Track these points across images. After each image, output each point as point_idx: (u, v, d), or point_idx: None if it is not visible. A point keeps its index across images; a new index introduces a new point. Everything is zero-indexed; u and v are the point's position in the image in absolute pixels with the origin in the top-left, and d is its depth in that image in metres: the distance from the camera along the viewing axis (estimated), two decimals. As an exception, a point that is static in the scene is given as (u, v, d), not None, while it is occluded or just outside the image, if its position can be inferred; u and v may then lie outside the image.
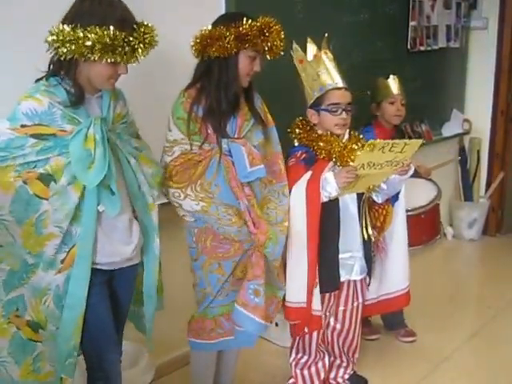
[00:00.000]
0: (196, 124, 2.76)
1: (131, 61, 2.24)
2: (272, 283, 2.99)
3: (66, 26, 2.13)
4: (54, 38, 2.13)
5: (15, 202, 2.22)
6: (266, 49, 2.74)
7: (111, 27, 2.12)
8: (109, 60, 2.17)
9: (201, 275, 2.91)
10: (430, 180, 4.74)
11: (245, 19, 2.68)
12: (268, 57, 2.79)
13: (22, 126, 2.20)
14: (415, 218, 4.53)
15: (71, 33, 2.11)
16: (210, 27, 2.73)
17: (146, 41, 2.21)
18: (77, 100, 2.27)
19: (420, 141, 2.95)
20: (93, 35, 2.10)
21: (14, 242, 2.26)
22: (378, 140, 2.83)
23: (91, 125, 2.26)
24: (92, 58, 2.15)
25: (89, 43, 2.11)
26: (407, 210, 4.01)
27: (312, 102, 3.13)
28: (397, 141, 2.87)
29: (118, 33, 2.13)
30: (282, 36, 2.76)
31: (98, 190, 2.28)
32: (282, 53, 2.82)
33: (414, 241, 4.28)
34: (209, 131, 2.77)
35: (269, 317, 3.00)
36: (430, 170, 4.53)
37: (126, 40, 2.16)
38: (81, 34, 2.11)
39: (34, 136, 2.20)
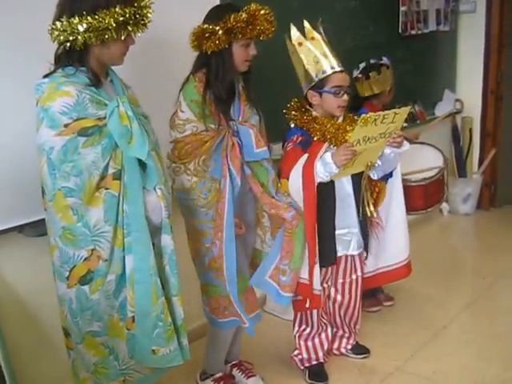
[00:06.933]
0: (210, 107, 2.85)
1: (142, 30, 2.30)
2: (296, 257, 3.06)
3: (73, 19, 2.16)
4: (65, 33, 2.18)
5: (108, 210, 2.28)
6: (256, 34, 2.82)
7: (117, 6, 2.18)
8: (124, 35, 2.24)
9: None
10: (434, 147, 4.83)
11: (230, 13, 2.76)
12: (261, 38, 2.87)
13: (66, 125, 2.20)
14: (435, 182, 4.64)
15: (81, 22, 2.15)
16: (201, 23, 2.82)
17: (148, 4, 2.27)
18: (97, 81, 2.31)
19: (408, 108, 2.96)
20: (107, 18, 2.16)
21: (112, 249, 2.32)
22: (370, 114, 2.84)
23: (119, 104, 2.30)
24: (110, 38, 2.21)
25: (104, 26, 2.16)
26: (425, 178, 4.42)
27: (313, 84, 3.12)
28: (387, 112, 2.87)
29: (125, 9, 2.19)
30: (271, 19, 2.82)
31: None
32: (271, 35, 2.88)
33: (433, 201, 4.68)
34: (220, 115, 2.88)
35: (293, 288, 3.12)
36: (417, 133, 4.61)
37: (134, 12, 2.22)
38: (93, 21, 2.16)
39: (80, 134, 2.21)
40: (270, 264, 3.10)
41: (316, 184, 3.02)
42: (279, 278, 3.08)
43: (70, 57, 2.29)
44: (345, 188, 3.23)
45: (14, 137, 2.74)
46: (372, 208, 3.22)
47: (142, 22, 2.27)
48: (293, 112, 3.22)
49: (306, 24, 3.14)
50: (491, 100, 6.29)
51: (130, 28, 2.24)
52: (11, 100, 2.72)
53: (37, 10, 2.59)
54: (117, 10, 2.18)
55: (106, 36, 2.20)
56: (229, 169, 2.87)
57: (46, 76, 2.29)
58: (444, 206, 6.35)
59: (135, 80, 2.68)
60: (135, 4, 2.23)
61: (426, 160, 4.66)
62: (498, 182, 6.56)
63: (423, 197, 4.50)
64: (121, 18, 2.19)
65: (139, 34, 2.32)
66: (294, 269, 3.06)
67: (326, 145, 3.08)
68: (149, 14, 2.28)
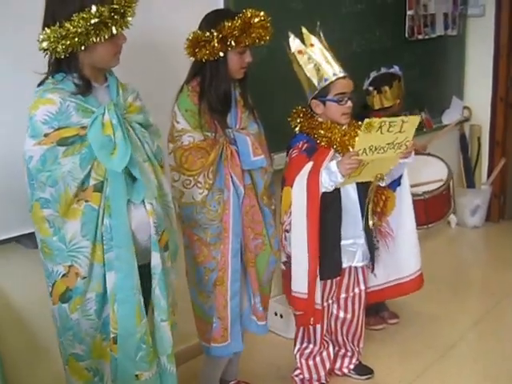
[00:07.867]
0: (205, 116, 2.83)
1: (125, 27, 2.20)
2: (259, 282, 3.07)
3: (53, 27, 2.12)
4: (47, 42, 2.12)
5: (86, 224, 2.20)
6: (251, 41, 2.79)
7: (93, 7, 2.08)
8: (106, 36, 2.14)
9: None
10: (440, 158, 4.80)
11: (225, 21, 2.74)
12: (257, 45, 2.84)
13: (45, 135, 2.15)
14: (437, 196, 4.59)
15: (59, 30, 2.10)
16: (197, 29, 2.82)
17: (128, 0, 2.18)
18: (85, 89, 2.23)
19: (418, 117, 2.91)
20: (81, 22, 2.08)
21: (92, 266, 2.23)
22: (374, 119, 2.78)
23: (105, 111, 2.23)
24: (90, 41, 2.13)
25: (80, 30, 2.09)
26: (425, 192, 4.39)
27: (316, 92, 3.08)
28: (393, 118, 2.81)
29: (102, 8, 2.10)
30: (267, 25, 2.79)
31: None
32: (267, 41, 2.84)
33: (436, 217, 4.64)
34: (216, 123, 2.86)
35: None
36: (425, 144, 4.51)
37: (112, 10, 2.12)
38: (69, 27, 2.09)
39: (60, 143, 2.15)
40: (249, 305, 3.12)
41: (320, 194, 2.98)
42: (260, 312, 3.09)
43: (59, 65, 2.24)
44: (350, 196, 3.18)
45: (10, 146, 2.71)
46: (375, 219, 3.19)
47: (124, 19, 2.17)
48: (298, 119, 3.18)
49: (304, 30, 3.11)
50: (500, 107, 6.21)
51: (109, 27, 2.14)
52: (7, 109, 2.72)
53: (26, 15, 2.56)
54: (92, 11, 2.09)
55: (87, 40, 2.13)
56: (231, 178, 2.87)
57: (39, 84, 2.27)
58: (452, 218, 6.24)
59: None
60: (114, 1, 2.13)
61: (429, 173, 4.63)
62: (507, 193, 6.47)
63: (423, 212, 4.41)
64: (93, 20, 2.10)
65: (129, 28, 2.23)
66: (264, 293, 3.09)
67: (332, 152, 3.05)
68: (129, 10, 2.18)
